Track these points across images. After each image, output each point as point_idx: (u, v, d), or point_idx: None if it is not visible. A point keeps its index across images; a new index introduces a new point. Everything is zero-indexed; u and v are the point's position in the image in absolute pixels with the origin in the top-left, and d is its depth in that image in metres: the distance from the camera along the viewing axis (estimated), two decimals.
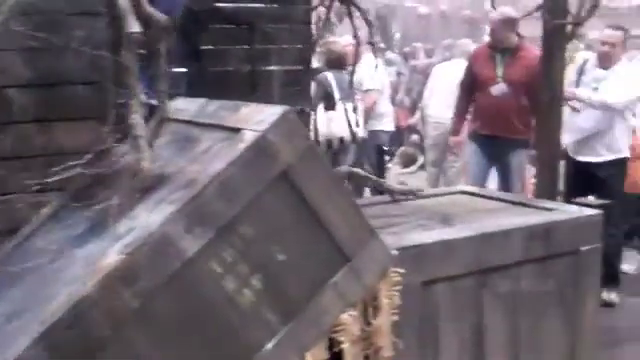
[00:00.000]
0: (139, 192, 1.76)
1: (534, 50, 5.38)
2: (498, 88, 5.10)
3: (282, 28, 4.05)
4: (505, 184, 5.21)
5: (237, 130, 1.90)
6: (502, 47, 5.18)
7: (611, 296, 4.74)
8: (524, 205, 2.73)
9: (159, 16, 1.77)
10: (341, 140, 6.53)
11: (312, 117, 6.45)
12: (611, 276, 4.72)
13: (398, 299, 2.08)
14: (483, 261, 2.27)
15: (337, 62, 7.00)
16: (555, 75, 2.68)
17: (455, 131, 5.77)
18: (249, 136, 1.82)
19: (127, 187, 1.72)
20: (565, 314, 2.51)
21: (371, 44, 6.36)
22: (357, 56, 6.73)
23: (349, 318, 1.99)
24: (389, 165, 9.78)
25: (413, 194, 2.86)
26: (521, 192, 5.07)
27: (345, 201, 1.94)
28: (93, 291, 1.66)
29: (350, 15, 5.26)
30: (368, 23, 6.30)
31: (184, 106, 2.32)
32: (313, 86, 6.65)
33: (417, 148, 8.99)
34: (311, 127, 6.34)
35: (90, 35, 2.13)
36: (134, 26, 1.64)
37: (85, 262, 1.80)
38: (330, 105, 6.37)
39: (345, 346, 1.98)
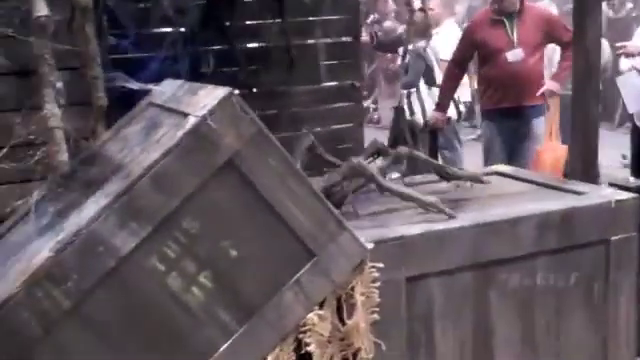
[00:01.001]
0: (59, 185, 1.65)
1: (538, 7, 5.09)
2: (515, 53, 4.79)
3: None
4: (526, 155, 4.96)
5: (186, 115, 1.76)
6: (510, 11, 4.84)
7: None
8: (556, 188, 2.44)
9: None
10: (448, 120, 6.19)
11: (414, 95, 6.13)
12: None
13: (377, 297, 1.89)
14: (484, 254, 2.03)
15: (425, 31, 6.67)
16: (590, 39, 2.36)
17: (442, 107, 5.39)
18: (189, 122, 1.68)
19: (49, 180, 1.61)
20: (593, 313, 2.23)
21: (422, 10, 6.05)
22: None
23: (316, 318, 1.82)
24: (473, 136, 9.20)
25: (479, 181, 2.50)
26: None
27: (305, 191, 1.77)
28: (19, 290, 1.58)
29: None
30: None
31: (165, 89, 2.20)
32: (411, 60, 6.36)
33: None
34: (418, 107, 6.03)
35: None
36: (42, 9, 1.52)
37: (26, 259, 1.72)
38: (431, 81, 6.04)
39: (312, 348, 1.82)
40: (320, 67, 3.91)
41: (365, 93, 10.60)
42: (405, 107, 6.13)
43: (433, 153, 5.50)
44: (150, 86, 2.29)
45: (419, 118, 5.91)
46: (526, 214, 2.10)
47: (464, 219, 2.05)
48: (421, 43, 6.40)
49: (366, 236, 1.90)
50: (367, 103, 10.37)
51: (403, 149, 2.35)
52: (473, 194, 2.39)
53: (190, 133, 1.66)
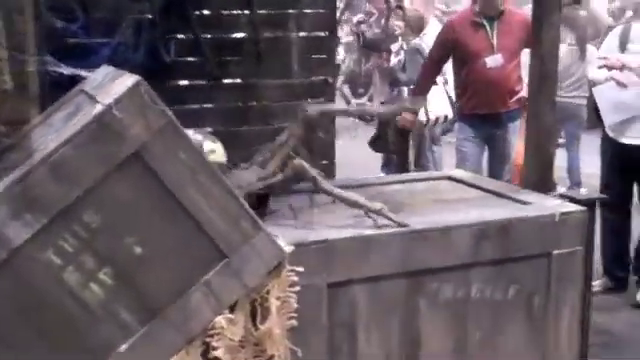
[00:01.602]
0: None
1: (519, 12, 4.88)
2: (494, 59, 4.62)
3: None
4: (502, 160, 4.86)
5: (97, 103, 1.67)
6: (492, 14, 4.67)
7: None
8: (503, 197, 2.35)
9: None
10: (445, 118, 6.08)
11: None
12: None
13: (294, 302, 1.81)
14: (414, 262, 1.95)
15: (420, 29, 6.60)
16: (547, 45, 2.27)
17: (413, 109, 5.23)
18: (94, 110, 1.60)
19: None
20: (533, 328, 2.14)
21: (399, 8, 5.97)
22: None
23: (225, 321, 1.74)
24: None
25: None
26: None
27: (218, 187, 1.68)
28: None
29: None
30: None
31: (97, 76, 2.12)
32: (408, 57, 6.27)
33: None
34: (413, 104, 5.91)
35: None
36: None
37: None
38: None
39: (219, 352, 1.74)
40: (293, 61, 3.81)
41: (361, 90, 10.55)
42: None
43: (404, 153, 5.40)
44: (82, 72, 2.21)
45: (421, 114, 5.80)
46: (460, 223, 2.02)
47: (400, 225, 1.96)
48: (416, 40, 6.35)
49: (288, 238, 1.82)
50: (363, 100, 10.31)
51: (296, 130, 2.22)
52: (415, 199, 2.31)
53: (93, 122, 1.58)
